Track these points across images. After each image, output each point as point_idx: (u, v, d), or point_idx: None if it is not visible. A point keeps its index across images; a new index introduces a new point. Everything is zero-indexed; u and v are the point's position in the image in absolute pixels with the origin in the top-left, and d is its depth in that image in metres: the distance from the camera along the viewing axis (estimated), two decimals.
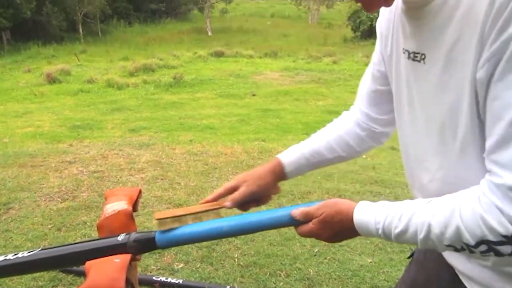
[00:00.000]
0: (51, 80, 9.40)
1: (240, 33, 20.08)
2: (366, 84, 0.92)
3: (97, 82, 9.23)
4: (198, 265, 2.03)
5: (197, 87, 8.91)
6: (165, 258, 2.08)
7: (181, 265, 2.03)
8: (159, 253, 2.14)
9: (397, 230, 0.62)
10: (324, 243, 2.23)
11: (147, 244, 0.75)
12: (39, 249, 0.79)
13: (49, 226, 2.51)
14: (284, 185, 3.17)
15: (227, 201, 0.83)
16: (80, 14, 17.63)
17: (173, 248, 2.15)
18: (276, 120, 6.11)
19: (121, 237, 0.75)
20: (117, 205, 0.94)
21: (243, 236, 2.29)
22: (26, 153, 4.01)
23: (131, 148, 4.26)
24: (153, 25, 22.26)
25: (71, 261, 0.79)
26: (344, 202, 0.71)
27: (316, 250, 2.18)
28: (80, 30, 17.73)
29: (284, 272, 1.99)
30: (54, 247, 0.79)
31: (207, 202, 0.84)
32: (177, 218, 0.78)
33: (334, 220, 0.69)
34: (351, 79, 9.80)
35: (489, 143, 0.57)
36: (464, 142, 0.62)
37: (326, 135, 0.93)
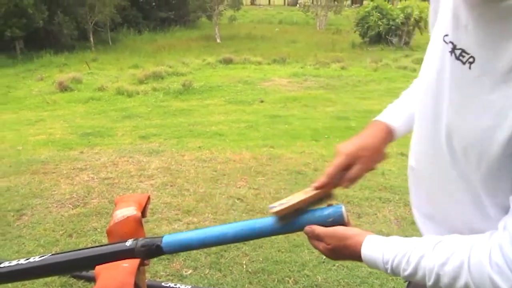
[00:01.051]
0: (63, 88, 9.54)
1: (248, 40, 20.18)
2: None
3: (108, 90, 9.35)
4: (207, 271, 2.04)
5: (206, 94, 8.97)
6: (174, 264, 2.10)
7: (190, 271, 2.05)
8: (168, 259, 2.15)
9: (406, 273, 0.61)
10: None
11: (154, 250, 0.77)
12: (50, 254, 0.81)
13: (61, 232, 2.55)
14: (292, 192, 3.18)
15: (344, 182, 0.77)
16: (91, 23, 17.90)
17: (182, 254, 2.17)
18: (285, 126, 6.11)
19: (129, 243, 0.77)
20: (126, 211, 0.96)
21: (251, 243, 2.30)
22: (38, 160, 4.07)
23: (141, 155, 4.31)
24: (162, 33, 22.49)
25: (81, 266, 0.81)
26: (352, 236, 0.68)
27: (324, 257, 2.18)
28: (91, 39, 17.99)
29: (292, 279, 1.99)
30: (64, 252, 0.81)
31: (321, 186, 0.76)
32: (292, 210, 0.75)
33: (342, 252, 0.69)
34: (359, 85, 9.78)
35: None
36: (487, 177, 0.56)
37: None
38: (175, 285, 1.81)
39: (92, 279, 1.86)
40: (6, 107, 8.67)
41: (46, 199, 3.09)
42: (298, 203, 0.74)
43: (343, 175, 0.76)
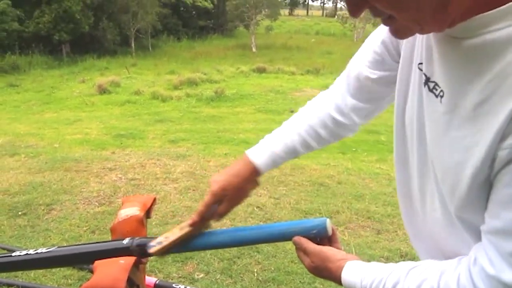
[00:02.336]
0: (102, 90, 9.99)
1: (283, 50, 20.31)
2: (354, 69, 0.82)
3: (143, 94, 9.69)
4: (218, 277, 2.07)
5: (237, 101, 9.09)
6: (187, 267, 2.14)
7: (202, 275, 2.08)
8: (182, 261, 2.20)
9: None
10: None
11: (147, 249, 0.81)
12: (56, 247, 0.87)
13: (85, 228, 2.66)
14: (312, 204, 3.18)
15: (214, 217, 0.84)
16: (133, 29, 18.67)
17: (195, 258, 2.21)
18: None
19: (126, 241, 0.81)
20: (130, 211, 1.01)
21: (265, 251, 2.31)
22: (72, 158, 4.27)
23: (168, 158, 4.42)
24: (200, 40, 23.07)
25: (81, 260, 0.86)
26: (335, 261, 0.70)
27: None
28: (132, 45, 18.74)
29: None
30: (68, 246, 0.87)
31: (194, 223, 0.82)
32: (169, 249, 0.83)
33: (324, 273, 0.72)
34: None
35: (491, 223, 0.52)
36: (460, 208, 0.57)
37: (300, 127, 0.87)
38: (185, 287, 1.84)
39: None
40: (49, 106, 9.18)
41: (75, 195, 3.23)
42: (174, 241, 0.81)
43: (214, 210, 0.83)
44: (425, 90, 0.61)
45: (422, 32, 0.53)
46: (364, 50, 0.80)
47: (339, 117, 0.85)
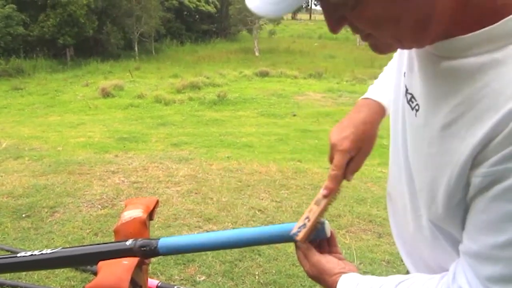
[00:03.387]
0: (105, 94, 10.05)
1: (286, 54, 20.37)
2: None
3: (146, 98, 9.74)
4: (219, 279, 2.08)
5: (240, 105, 9.13)
6: (188, 270, 2.16)
7: (203, 277, 2.10)
8: (184, 264, 2.21)
9: None
10: None
11: (150, 250, 0.82)
12: (60, 248, 0.89)
13: (88, 231, 2.68)
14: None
15: (347, 176, 0.75)
16: (137, 33, 18.79)
17: (197, 261, 2.23)
18: (315, 141, 6.10)
19: (128, 242, 0.82)
20: (133, 213, 1.02)
21: (266, 254, 2.32)
22: (75, 161, 4.30)
23: (171, 161, 4.44)
24: (203, 44, 23.17)
25: (85, 261, 0.88)
26: (331, 274, 0.71)
27: None
28: (136, 48, 18.86)
29: None
30: (72, 247, 0.88)
31: (331, 191, 0.74)
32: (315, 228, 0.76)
33: (320, 283, 0.73)
34: None
35: (468, 245, 0.53)
36: (437, 222, 0.59)
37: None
38: None
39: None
40: (53, 109, 9.25)
41: (78, 198, 3.26)
42: (316, 219, 0.75)
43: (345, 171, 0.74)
44: (403, 100, 0.61)
45: (402, 48, 0.53)
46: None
47: None
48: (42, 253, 0.90)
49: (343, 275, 0.69)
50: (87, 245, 0.88)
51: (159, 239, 0.85)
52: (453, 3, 0.46)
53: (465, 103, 0.48)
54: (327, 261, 0.72)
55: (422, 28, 0.47)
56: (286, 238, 0.80)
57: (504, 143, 0.44)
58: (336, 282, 0.69)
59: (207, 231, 2.72)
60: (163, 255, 0.86)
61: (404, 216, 0.70)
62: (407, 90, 0.60)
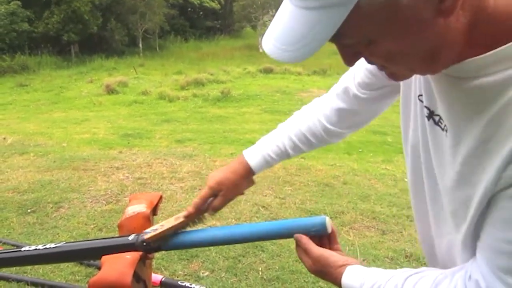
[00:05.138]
0: (110, 90, 10.08)
1: None
2: (348, 80, 0.86)
3: (151, 94, 9.76)
4: (223, 275, 2.09)
5: (244, 102, 9.12)
6: (192, 265, 2.17)
7: (207, 273, 2.10)
8: (187, 259, 2.22)
9: None
10: None
11: (152, 245, 0.83)
12: (63, 242, 0.89)
13: (92, 226, 2.70)
14: (317, 204, 3.19)
15: (209, 210, 0.89)
16: (141, 30, 18.80)
17: (200, 256, 2.24)
18: None
19: (131, 237, 0.83)
20: (137, 208, 1.03)
21: (269, 250, 2.33)
22: (80, 157, 4.33)
23: (174, 158, 4.45)
24: (207, 41, 23.16)
25: (89, 255, 0.88)
26: (335, 267, 0.72)
27: None
28: (140, 45, 18.88)
29: None
30: (75, 242, 0.89)
31: (190, 215, 0.88)
32: (163, 236, 0.85)
33: (325, 277, 0.74)
34: (399, 100, 9.53)
35: (484, 239, 0.55)
36: (467, 239, 0.60)
37: (292, 131, 0.92)
38: (190, 285, 1.87)
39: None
40: (57, 106, 9.29)
41: (83, 194, 3.27)
42: (168, 229, 0.85)
43: (209, 204, 0.89)
44: (429, 123, 0.62)
45: (414, 74, 0.56)
46: (357, 67, 0.82)
47: (328, 125, 0.90)
48: (46, 248, 0.91)
49: (349, 266, 0.70)
50: (90, 240, 0.89)
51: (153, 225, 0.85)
52: (464, 28, 0.47)
53: (495, 120, 0.49)
54: (330, 254, 0.73)
55: (433, 58, 0.49)
56: (286, 234, 0.80)
57: None
58: (342, 274, 0.69)
59: (210, 227, 2.73)
60: (166, 250, 0.86)
61: (434, 233, 0.72)
62: (433, 112, 0.61)
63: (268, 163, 0.92)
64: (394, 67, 0.52)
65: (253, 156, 0.91)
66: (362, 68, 0.81)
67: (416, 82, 0.64)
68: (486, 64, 0.48)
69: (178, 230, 0.86)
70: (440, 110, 0.58)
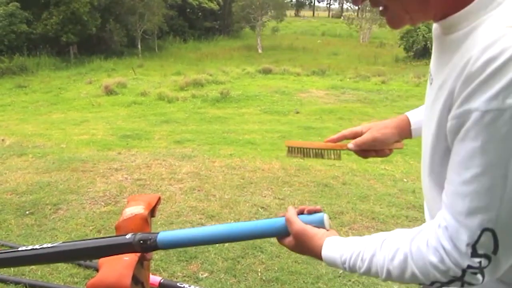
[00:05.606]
0: (109, 91, 10.07)
1: (289, 51, 20.31)
2: None
3: (150, 95, 9.75)
4: (222, 276, 2.08)
5: (243, 102, 9.12)
6: (191, 266, 2.16)
7: (206, 274, 2.10)
8: (186, 261, 2.22)
9: (362, 271, 0.67)
10: None
11: (149, 244, 0.82)
12: (60, 242, 0.89)
13: (91, 228, 2.69)
14: (317, 204, 3.16)
15: (350, 143, 0.89)
16: (140, 31, 18.79)
17: (199, 257, 2.23)
18: (318, 138, 6.09)
19: (128, 236, 0.82)
20: (135, 209, 1.02)
21: (268, 251, 2.32)
22: (79, 159, 4.31)
23: (173, 159, 4.44)
24: (206, 42, 23.15)
25: (86, 255, 0.88)
26: (315, 239, 0.73)
27: (341, 271, 2.15)
28: (139, 46, 18.86)
29: None
30: (72, 242, 0.88)
31: (331, 141, 0.90)
32: (303, 149, 0.90)
33: (305, 251, 0.76)
34: (399, 100, 9.55)
35: (445, 185, 0.61)
36: (433, 173, 0.67)
37: None
38: (189, 286, 1.86)
39: None
40: (56, 107, 9.27)
41: (82, 195, 3.26)
42: (309, 143, 0.88)
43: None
44: (428, 85, 0.70)
45: (412, 21, 0.64)
46: None
47: None
48: (42, 247, 0.90)
49: (328, 238, 0.73)
50: (87, 239, 0.88)
51: (158, 233, 0.85)
52: None
53: (454, 65, 0.58)
54: (310, 228, 0.76)
55: (425, 2, 0.60)
56: (284, 231, 0.79)
57: (467, 83, 0.53)
58: (321, 246, 0.72)
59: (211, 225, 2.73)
60: (163, 248, 0.86)
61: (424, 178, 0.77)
62: (430, 75, 0.70)
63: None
64: (392, 4, 0.62)
65: (414, 112, 0.92)
66: None
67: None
68: (458, 20, 0.59)
69: (315, 155, 0.88)
70: (433, 68, 0.68)
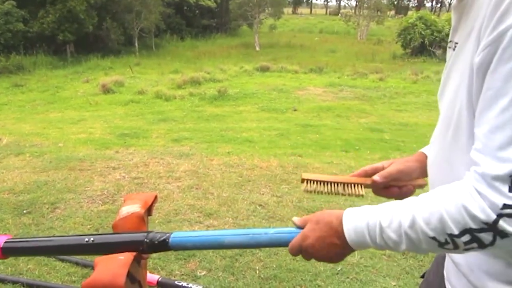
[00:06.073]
0: (106, 90, 10.03)
1: (287, 48, 20.28)
2: None
3: (147, 94, 9.72)
4: (220, 274, 2.08)
5: (240, 100, 9.10)
6: (189, 265, 2.16)
7: (204, 272, 2.10)
8: (184, 259, 2.22)
9: (383, 224, 0.61)
10: (348, 261, 2.20)
11: (161, 244, 0.82)
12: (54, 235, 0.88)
13: (88, 227, 2.69)
14: (315, 202, 3.18)
15: (376, 176, 0.84)
16: (137, 29, 18.71)
17: (198, 255, 2.23)
18: (316, 136, 6.09)
19: (139, 235, 0.83)
20: (131, 208, 1.02)
21: (267, 249, 2.32)
22: (76, 158, 4.30)
23: (171, 157, 4.44)
24: (204, 39, 23.08)
25: (101, 250, 0.88)
26: (331, 214, 0.70)
27: (339, 268, 2.16)
28: (136, 44, 18.79)
29: (303, 287, 1.99)
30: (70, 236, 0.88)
31: (353, 176, 0.86)
32: (322, 182, 0.82)
33: (325, 220, 0.69)
34: (396, 97, 9.55)
35: (477, 133, 0.57)
36: (458, 129, 0.63)
37: None
38: (187, 284, 1.86)
39: None
40: (53, 106, 9.24)
41: (79, 194, 3.26)
42: (329, 177, 0.82)
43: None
44: (451, 53, 0.70)
45: None
46: None
47: None
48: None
49: (347, 209, 0.69)
50: (96, 234, 0.89)
51: (171, 233, 0.84)
52: None
53: (478, 8, 0.59)
54: (321, 211, 0.73)
55: None
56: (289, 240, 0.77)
57: (496, 9, 0.53)
58: (341, 218, 0.68)
59: (208, 226, 2.73)
60: (173, 250, 0.84)
61: (433, 141, 0.76)
62: (452, 43, 0.70)
63: None
64: None
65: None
66: None
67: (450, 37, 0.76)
68: None
69: (336, 189, 0.82)
70: (455, 35, 0.69)
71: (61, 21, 15.87)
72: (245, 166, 4.16)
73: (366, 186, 0.86)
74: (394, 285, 2.03)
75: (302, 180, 0.82)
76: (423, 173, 0.86)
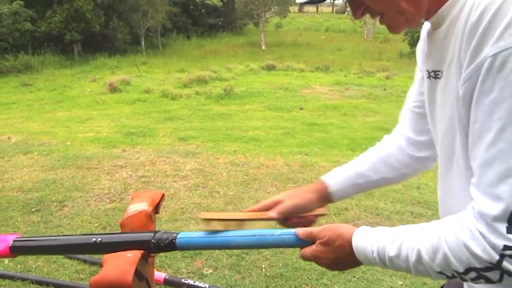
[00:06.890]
0: (113, 89, 10.08)
1: (293, 47, 20.23)
2: (406, 103, 0.93)
3: (153, 92, 9.76)
4: (226, 272, 2.09)
5: (246, 99, 9.10)
6: (195, 263, 2.17)
7: (210, 270, 2.11)
8: (191, 257, 2.23)
9: (391, 254, 0.63)
10: None
11: (168, 244, 0.83)
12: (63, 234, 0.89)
13: (96, 225, 2.71)
14: None
15: (271, 211, 0.86)
16: (144, 28, 18.79)
17: (204, 254, 2.24)
18: (322, 134, 6.08)
19: (146, 235, 0.84)
20: (139, 206, 1.03)
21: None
22: (84, 156, 4.34)
23: (178, 156, 4.46)
24: (210, 38, 23.10)
25: (101, 249, 0.89)
26: (346, 226, 0.72)
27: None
28: (143, 43, 18.87)
29: (309, 286, 1.99)
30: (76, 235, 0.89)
31: (252, 211, 0.87)
32: (222, 221, 0.82)
33: (336, 244, 0.70)
34: (403, 95, 9.38)
35: (472, 166, 0.57)
36: (458, 161, 0.64)
37: (370, 158, 0.95)
38: (193, 282, 1.87)
39: None
40: (61, 105, 9.31)
41: (87, 192, 3.29)
42: (228, 214, 0.83)
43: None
44: (430, 82, 0.70)
45: (408, 23, 0.66)
46: (415, 82, 0.91)
47: (402, 151, 0.93)
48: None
49: (361, 227, 0.71)
50: (104, 234, 0.90)
51: (178, 233, 0.84)
52: None
53: (455, 37, 0.60)
54: (338, 225, 0.74)
55: (418, 2, 0.63)
56: (293, 242, 0.78)
57: (470, 40, 0.53)
58: (352, 233, 0.69)
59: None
60: (180, 250, 0.85)
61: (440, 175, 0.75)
62: (428, 72, 0.70)
63: (344, 186, 0.92)
64: (387, 9, 0.64)
65: (329, 175, 0.93)
66: (416, 82, 0.89)
67: (420, 66, 0.80)
68: (446, 12, 0.62)
69: (237, 226, 0.83)
70: (434, 63, 0.68)
71: (68, 21, 15.98)
72: (251, 164, 4.16)
73: (267, 220, 0.87)
74: (401, 285, 2.03)
75: (203, 220, 0.82)
76: (321, 202, 0.90)
